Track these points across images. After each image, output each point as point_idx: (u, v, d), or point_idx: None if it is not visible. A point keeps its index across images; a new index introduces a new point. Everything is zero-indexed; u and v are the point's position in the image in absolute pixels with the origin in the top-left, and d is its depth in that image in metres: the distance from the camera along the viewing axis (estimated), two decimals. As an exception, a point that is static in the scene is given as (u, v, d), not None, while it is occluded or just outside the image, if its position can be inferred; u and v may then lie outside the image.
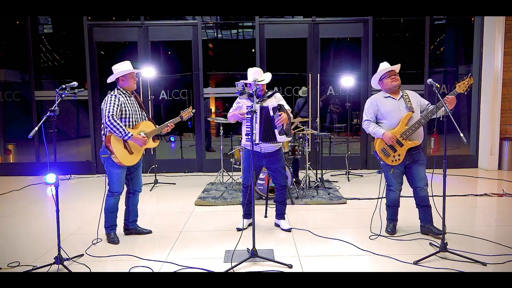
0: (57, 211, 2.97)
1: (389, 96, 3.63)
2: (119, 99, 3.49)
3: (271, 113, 3.63)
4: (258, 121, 3.65)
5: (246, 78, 3.86)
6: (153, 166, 6.58)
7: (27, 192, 5.93)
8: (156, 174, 6.40)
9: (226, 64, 8.31)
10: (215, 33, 8.16)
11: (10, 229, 4.20)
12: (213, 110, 8.67)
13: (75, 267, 3.11)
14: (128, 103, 3.59)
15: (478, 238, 3.65)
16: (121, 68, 3.59)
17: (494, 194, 5.29)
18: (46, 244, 3.65)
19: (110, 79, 3.63)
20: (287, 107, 3.86)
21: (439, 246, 3.21)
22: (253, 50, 7.21)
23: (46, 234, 3.95)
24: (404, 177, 3.72)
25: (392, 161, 3.60)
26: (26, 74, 7.14)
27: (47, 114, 3.10)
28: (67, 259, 3.15)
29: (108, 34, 7.25)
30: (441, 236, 3.47)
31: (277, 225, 4.08)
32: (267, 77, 3.88)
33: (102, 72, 7.36)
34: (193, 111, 4.04)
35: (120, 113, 3.50)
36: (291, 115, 3.84)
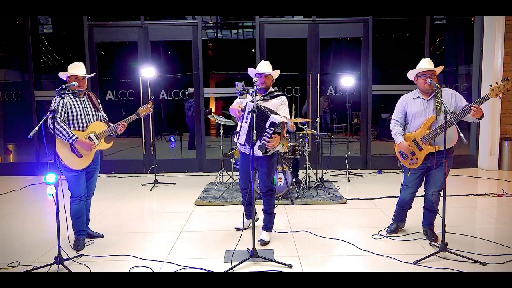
0: (57, 211, 2.97)
1: (419, 97, 3.46)
2: (63, 100, 3.35)
3: (267, 124, 3.23)
4: (248, 120, 3.35)
5: (246, 78, 3.82)
6: (153, 166, 6.58)
7: (27, 192, 5.93)
8: (156, 174, 6.40)
9: (226, 64, 8.31)
10: (215, 33, 8.16)
11: (10, 229, 4.20)
12: (213, 110, 8.66)
13: (75, 267, 3.11)
14: (76, 104, 3.43)
15: (478, 238, 3.65)
16: (69, 69, 3.47)
17: (494, 194, 5.29)
18: (46, 244, 3.65)
19: (61, 75, 3.52)
20: (287, 115, 3.58)
21: (439, 246, 3.21)
22: (253, 50, 7.21)
23: (46, 234, 3.95)
24: None
25: (410, 164, 3.52)
26: (26, 74, 7.14)
27: (47, 114, 3.11)
28: (67, 259, 3.14)
29: (108, 34, 7.24)
30: (435, 241, 3.48)
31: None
32: (273, 72, 3.61)
33: (102, 72, 7.36)
34: (152, 107, 3.86)
35: (66, 115, 3.35)
36: (284, 135, 3.55)
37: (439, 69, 3.41)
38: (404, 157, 3.53)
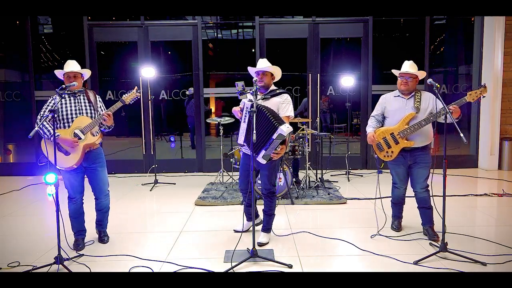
0: (57, 211, 2.97)
1: (399, 96, 3.68)
2: (53, 100, 3.32)
3: (274, 135, 3.12)
4: (246, 120, 3.29)
5: (246, 78, 3.81)
6: (153, 166, 6.58)
7: (27, 192, 5.93)
8: (156, 174, 6.39)
9: (226, 64, 8.30)
10: (215, 33, 8.15)
11: (10, 229, 4.20)
12: (213, 110, 8.66)
13: (75, 267, 3.11)
14: (68, 103, 3.38)
15: (478, 238, 3.65)
16: (64, 67, 3.44)
17: (494, 194, 5.29)
18: (46, 244, 3.65)
19: (57, 73, 3.51)
20: (290, 113, 3.56)
21: (439, 246, 3.21)
22: (253, 50, 7.21)
23: (46, 234, 3.95)
24: None
25: (384, 156, 3.68)
26: (26, 74, 7.14)
27: (48, 114, 3.10)
28: (67, 259, 3.14)
29: (108, 34, 7.24)
30: (436, 240, 3.50)
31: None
32: (271, 68, 3.54)
33: (102, 72, 7.36)
34: (139, 92, 3.58)
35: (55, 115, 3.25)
36: (288, 140, 3.47)
37: (421, 74, 3.59)
38: (380, 149, 3.68)
